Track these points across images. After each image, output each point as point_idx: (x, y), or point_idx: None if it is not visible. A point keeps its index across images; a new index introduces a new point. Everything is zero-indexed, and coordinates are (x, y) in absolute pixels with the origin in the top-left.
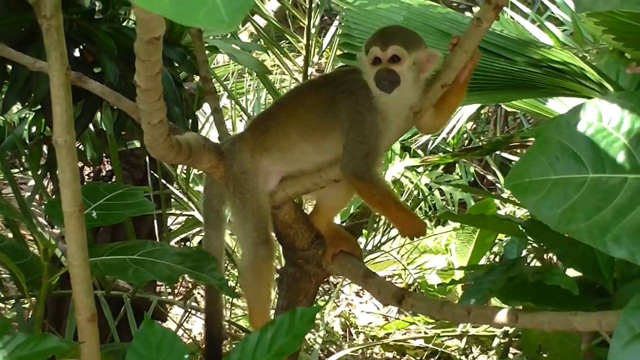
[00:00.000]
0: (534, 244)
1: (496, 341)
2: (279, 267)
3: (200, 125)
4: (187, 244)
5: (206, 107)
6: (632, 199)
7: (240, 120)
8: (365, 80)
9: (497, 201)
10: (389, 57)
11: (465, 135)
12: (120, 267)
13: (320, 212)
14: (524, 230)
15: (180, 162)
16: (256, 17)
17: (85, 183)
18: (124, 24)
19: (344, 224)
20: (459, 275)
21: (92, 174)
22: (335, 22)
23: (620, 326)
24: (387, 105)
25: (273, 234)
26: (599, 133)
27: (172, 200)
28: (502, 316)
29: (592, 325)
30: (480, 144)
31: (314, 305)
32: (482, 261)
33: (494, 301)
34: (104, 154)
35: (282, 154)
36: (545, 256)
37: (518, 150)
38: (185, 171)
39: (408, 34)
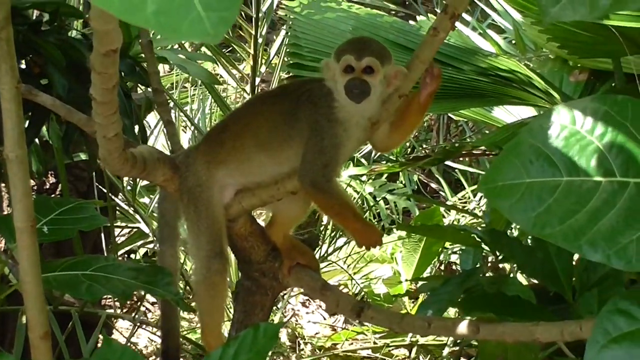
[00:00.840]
0: (490, 254)
1: (446, 350)
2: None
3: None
4: (133, 256)
5: (150, 119)
6: (606, 202)
7: (184, 132)
8: (325, 90)
9: (441, 209)
10: (363, 67)
11: (407, 144)
12: (73, 283)
13: (277, 224)
14: (479, 241)
15: (135, 175)
16: None
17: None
18: (71, 35)
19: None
20: (405, 285)
21: (35, 187)
22: (282, 32)
23: (596, 330)
24: (349, 115)
25: (228, 247)
26: (572, 136)
27: (117, 212)
28: (463, 327)
29: (554, 336)
30: (424, 152)
31: (271, 319)
32: (428, 270)
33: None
34: (48, 167)
35: (238, 166)
36: (499, 266)
37: (461, 159)
38: (131, 183)
39: (382, 48)
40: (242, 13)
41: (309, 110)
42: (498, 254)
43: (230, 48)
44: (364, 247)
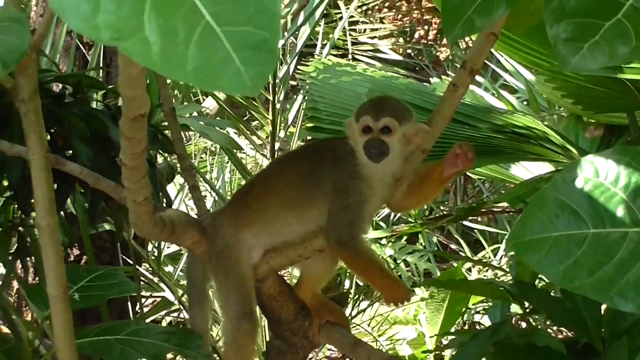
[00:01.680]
0: (518, 307)
1: None
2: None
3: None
4: None
5: (170, 189)
6: (634, 252)
7: (206, 199)
8: (348, 148)
9: (462, 269)
10: (380, 127)
11: (425, 206)
12: (106, 347)
13: (305, 283)
14: (507, 294)
15: (164, 239)
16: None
17: None
18: (93, 106)
19: None
20: (430, 344)
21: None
22: (298, 98)
23: None
24: (372, 172)
25: (257, 308)
26: (596, 189)
27: (142, 281)
28: None
29: None
30: (442, 213)
31: None
32: (452, 330)
33: None
34: (73, 239)
35: (265, 227)
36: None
37: (479, 219)
38: (155, 252)
39: (400, 107)
40: None
41: (332, 168)
42: (526, 305)
43: (247, 117)
44: (392, 304)
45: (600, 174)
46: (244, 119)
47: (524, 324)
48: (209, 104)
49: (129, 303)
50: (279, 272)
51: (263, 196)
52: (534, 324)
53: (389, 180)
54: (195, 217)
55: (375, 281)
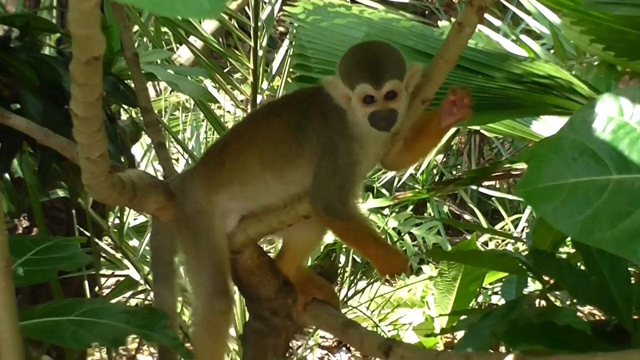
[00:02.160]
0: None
1: None
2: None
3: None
4: None
5: (136, 150)
6: None
7: (176, 162)
8: (334, 102)
9: (478, 243)
10: (384, 94)
11: (435, 170)
12: (56, 330)
13: (288, 254)
14: (524, 267)
15: (124, 203)
16: (192, 39)
17: None
18: (45, 52)
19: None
20: (439, 326)
21: (6, 231)
22: (285, 43)
23: None
24: (366, 130)
25: (232, 284)
26: (620, 129)
27: (103, 258)
28: None
29: None
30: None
31: None
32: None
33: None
34: (21, 208)
35: (242, 188)
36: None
37: (497, 185)
38: (118, 223)
39: (396, 57)
40: (237, 23)
41: (319, 124)
42: (546, 280)
43: (228, 69)
44: (387, 276)
45: (625, 112)
46: (225, 71)
47: (544, 303)
48: (184, 55)
49: (87, 283)
50: (258, 242)
51: (240, 153)
52: (556, 303)
53: (384, 137)
54: (162, 179)
55: (368, 251)
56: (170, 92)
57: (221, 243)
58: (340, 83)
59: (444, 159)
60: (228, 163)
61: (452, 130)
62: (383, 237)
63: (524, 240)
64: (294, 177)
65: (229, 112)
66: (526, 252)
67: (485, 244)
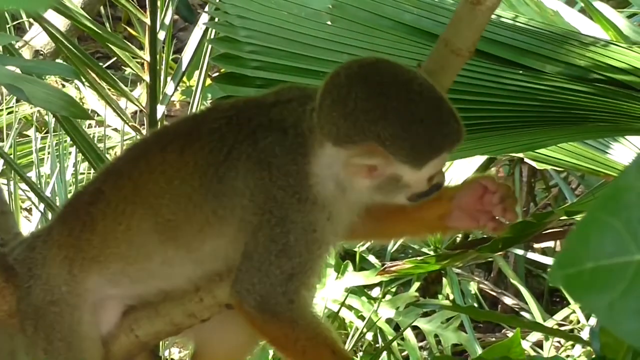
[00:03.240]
0: None
1: None
2: None
3: None
4: None
5: None
6: None
7: (27, 214)
8: (291, 135)
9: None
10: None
11: None
12: None
13: None
14: None
15: None
16: (50, 15)
17: None
18: None
19: None
20: None
21: None
22: (203, 19)
23: None
24: (343, 193)
25: None
26: None
27: None
28: None
29: None
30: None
31: None
32: None
33: None
34: None
35: (126, 265)
36: None
37: (559, 247)
38: None
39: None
40: None
41: (253, 173)
42: None
43: (109, 61)
44: None
45: None
46: (105, 65)
47: None
48: (41, 39)
49: None
50: (154, 346)
51: (122, 211)
52: None
53: (367, 199)
54: None
55: None
56: (18, 101)
57: (92, 352)
58: (397, 161)
59: None
60: (102, 224)
61: (482, 158)
62: (370, 335)
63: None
64: (209, 250)
65: (115, 129)
66: None
67: (539, 344)
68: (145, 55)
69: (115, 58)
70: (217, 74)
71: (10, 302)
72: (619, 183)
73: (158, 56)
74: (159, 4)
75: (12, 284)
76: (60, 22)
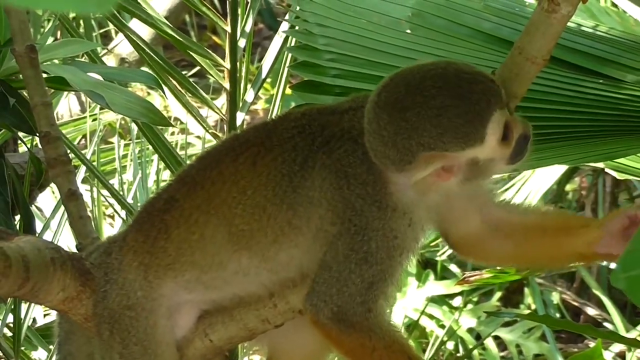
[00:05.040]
0: None
1: None
2: None
3: (39, 226)
4: None
5: (43, 197)
6: None
7: (111, 220)
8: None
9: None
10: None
11: None
12: None
13: None
14: None
15: (8, 290)
16: (135, 24)
17: None
18: None
19: None
20: None
21: None
22: (283, 27)
23: None
24: (420, 196)
25: None
26: None
27: None
28: None
29: None
30: None
31: None
32: None
33: None
34: None
35: (201, 273)
36: None
37: None
38: (12, 324)
39: None
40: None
41: (330, 180)
42: None
43: (193, 71)
44: None
45: None
46: (187, 74)
47: None
48: (126, 49)
49: None
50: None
51: (195, 219)
52: None
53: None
54: (75, 250)
55: None
56: (102, 108)
57: (167, 356)
58: (452, 155)
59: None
60: (176, 232)
61: (563, 167)
62: (451, 344)
63: None
64: (284, 260)
65: (198, 137)
66: None
67: (621, 355)
68: (226, 63)
69: (199, 67)
70: (290, 85)
71: (87, 306)
72: None
73: (238, 64)
74: (239, 11)
75: (89, 288)
76: (146, 30)
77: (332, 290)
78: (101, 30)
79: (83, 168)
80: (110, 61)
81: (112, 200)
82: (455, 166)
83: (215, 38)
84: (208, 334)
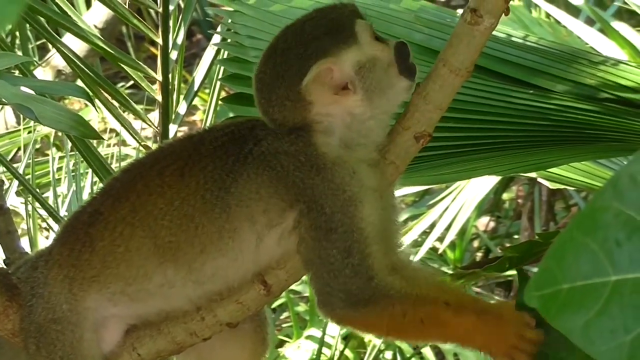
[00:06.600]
0: None
1: None
2: None
3: None
4: None
5: None
6: None
7: (46, 232)
8: (302, 136)
9: None
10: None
11: (476, 243)
12: None
13: None
14: None
15: None
16: (68, 38)
17: None
18: None
19: None
20: None
21: None
22: (216, 38)
23: None
24: (348, 154)
25: None
26: None
27: None
28: None
29: None
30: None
31: None
32: None
33: None
34: None
35: (125, 285)
36: None
37: None
38: None
39: None
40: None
41: (264, 168)
42: None
43: (127, 84)
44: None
45: None
46: (124, 86)
47: None
48: (62, 61)
49: None
50: None
51: (119, 232)
52: None
53: (373, 157)
54: (2, 265)
55: (449, 331)
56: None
57: None
58: (339, 60)
59: (493, 224)
60: (100, 245)
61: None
62: (387, 353)
63: None
64: (209, 271)
65: (134, 149)
66: None
67: None
68: (158, 75)
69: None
70: (222, 97)
71: (13, 321)
72: (596, 203)
73: (170, 76)
74: (171, 23)
75: (15, 303)
76: (80, 43)
77: (326, 280)
78: (37, 42)
79: (16, 181)
80: (47, 73)
81: (42, 212)
82: (348, 79)
83: (152, 49)
84: (136, 348)
